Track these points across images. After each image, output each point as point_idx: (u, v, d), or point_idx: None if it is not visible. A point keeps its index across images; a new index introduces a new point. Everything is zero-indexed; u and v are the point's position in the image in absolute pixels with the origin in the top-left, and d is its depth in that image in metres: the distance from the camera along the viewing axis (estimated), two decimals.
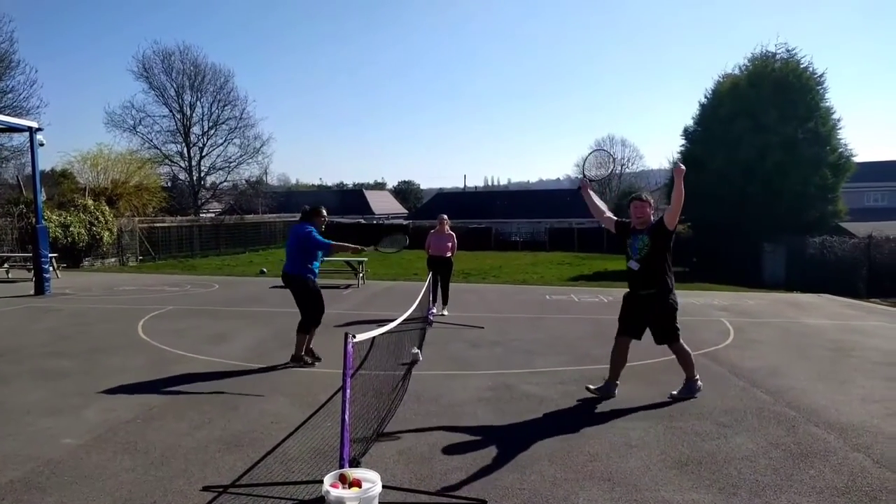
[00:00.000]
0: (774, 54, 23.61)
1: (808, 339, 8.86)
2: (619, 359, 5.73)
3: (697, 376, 5.74)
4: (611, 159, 6.30)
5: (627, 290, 5.80)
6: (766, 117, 21.63)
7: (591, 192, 5.99)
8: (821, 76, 22.75)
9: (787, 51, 23.50)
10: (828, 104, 22.72)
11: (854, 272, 17.81)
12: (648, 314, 5.59)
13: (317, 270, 6.96)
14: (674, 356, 5.80)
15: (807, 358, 7.56)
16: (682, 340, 5.66)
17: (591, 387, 5.74)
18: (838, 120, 22.70)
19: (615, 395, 5.66)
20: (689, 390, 5.67)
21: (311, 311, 6.85)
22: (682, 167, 5.36)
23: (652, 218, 5.61)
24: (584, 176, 6.11)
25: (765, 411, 5.34)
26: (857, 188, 35.95)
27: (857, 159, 23.04)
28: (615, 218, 5.98)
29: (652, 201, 5.72)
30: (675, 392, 5.68)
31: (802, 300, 13.78)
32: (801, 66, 22.80)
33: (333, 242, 6.84)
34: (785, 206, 21.14)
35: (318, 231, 6.84)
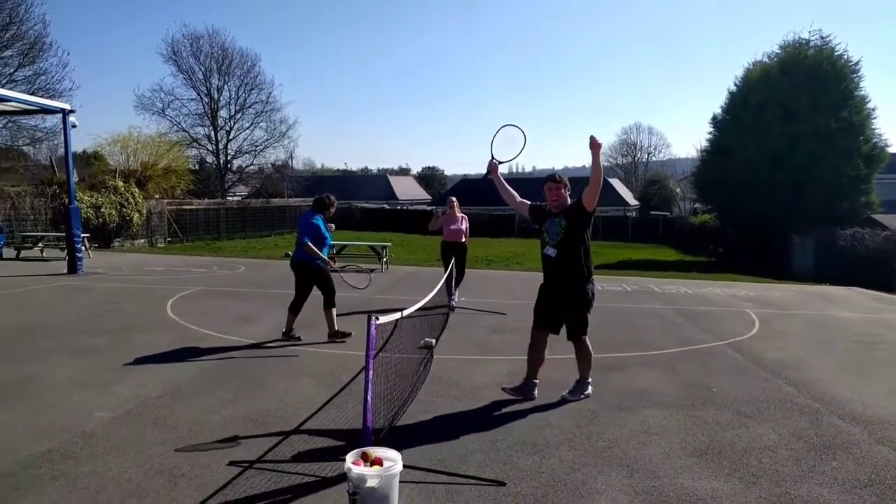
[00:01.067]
0: (808, 41, 23.03)
1: (835, 331, 8.73)
2: (535, 356, 5.21)
3: (590, 379, 5.33)
4: (521, 135, 5.42)
5: (543, 279, 5.38)
6: (797, 105, 21.15)
7: (499, 176, 5.45)
8: (856, 64, 22.15)
9: (822, 38, 22.90)
10: (862, 93, 22.15)
11: (886, 265, 17.42)
12: (564, 304, 5.13)
13: (326, 256, 7.25)
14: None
15: (833, 350, 7.46)
16: (587, 338, 5.21)
17: (507, 386, 5.25)
18: (873, 109, 22.14)
19: (534, 397, 5.17)
20: (580, 390, 5.23)
21: (329, 289, 7.21)
22: (599, 141, 4.87)
23: (568, 200, 5.21)
24: (493, 158, 5.43)
25: (788, 402, 5.31)
26: (890, 179, 35.01)
27: (891, 150, 22.49)
28: (529, 202, 5.51)
29: (567, 182, 5.26)
30: (566, 393, 5.22)
31: (831, 292, 13.55)
32: (836, 53, 22.21)
33: (309, 244, 7.02)
34: (815, 197, 20.70)
35: (326, 220, 7.23)
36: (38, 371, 5.77)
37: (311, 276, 7.20)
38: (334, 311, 7.34)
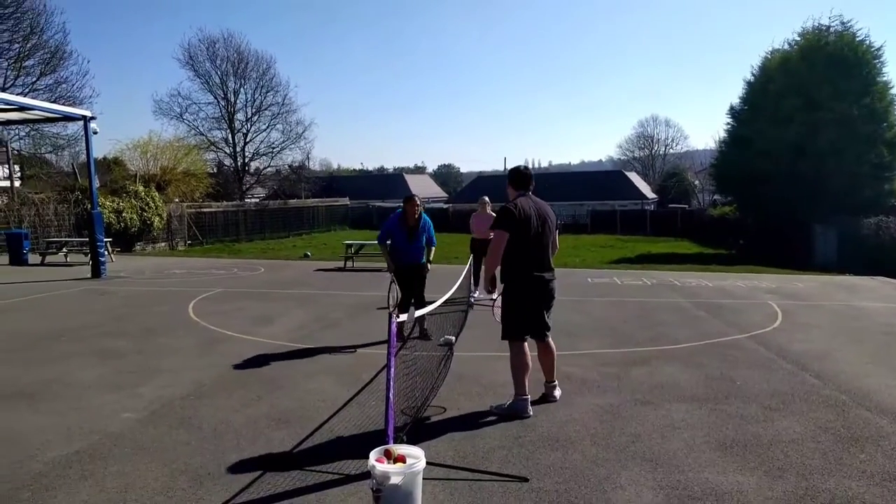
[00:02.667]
0: (828, 27, 22.60)
1: (860, 322, 8.59)
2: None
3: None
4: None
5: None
6: (818, 93, 20.77)
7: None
8: (878, 49, 21.70)
9: (842, 23, 22.43)
10: (885, 78, 21.68)
11: None
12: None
13: (395, 255, 7.13)
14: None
15: (858, 341, 7.34)
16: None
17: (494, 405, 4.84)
18: None
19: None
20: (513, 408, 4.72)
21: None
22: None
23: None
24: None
25: (813, 395, 5.24)
26: None
27: None
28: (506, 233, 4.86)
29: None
30: (493, 405, 4.84)
31: (855, 282, 13.33)
32: (857, 39, 21.78)
33: (383, 243, 7.16)
34: (838, 186, 20.32)
35: (407, 218, 7.01)
36: (64, 373, 5.87)
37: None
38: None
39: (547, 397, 5.07)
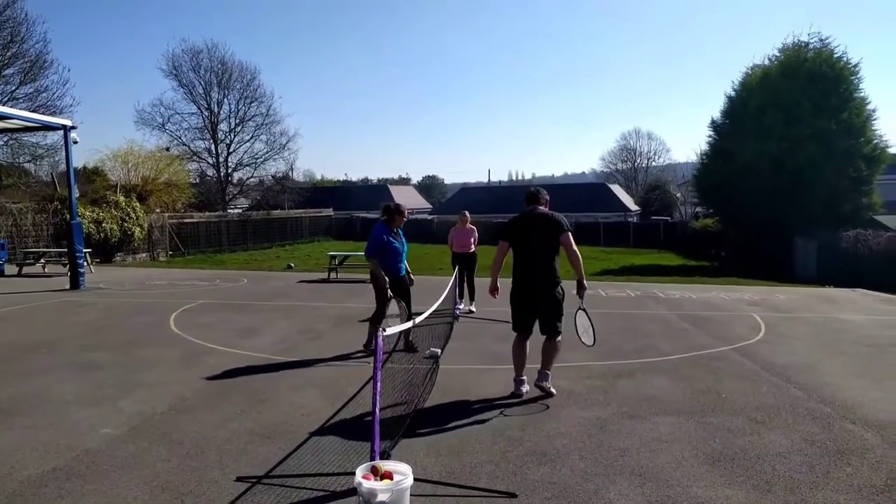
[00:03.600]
0: (807, 44, 23.01)
1: (842, 334, 8.68)
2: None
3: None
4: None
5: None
6: (798, 108, 21.12)
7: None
8: (855, 66, 22.13)
9: (821, 40, 22.87)
10: (862, 94, 22.11)
11: (890, 266, 17.30)
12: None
13: (393, 266, 6.92)
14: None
15: (841, 353, 7.40)
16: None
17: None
18: (873, 110, 22.09)
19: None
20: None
21: (379, 304, 6.96)
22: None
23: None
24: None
25: (798, 407, 5.26)
26: (892, 180, 34.98)
27: (892, 150, 22.45)
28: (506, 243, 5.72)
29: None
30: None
31: (836, 295, 13.49)
32: (835, 55, 22.21)
33: (373, 259, 6.84)
34: (817, 199, 20.64)
35: (392, 229, 6.89)
36: (41, 388, 5.73)
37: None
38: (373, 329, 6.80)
39: (536, 382, 5.53)
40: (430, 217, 45.96)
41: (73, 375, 6.18)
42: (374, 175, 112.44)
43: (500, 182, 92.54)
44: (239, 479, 3.78)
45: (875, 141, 21.94)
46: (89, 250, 16.73)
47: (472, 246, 10.42)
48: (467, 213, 10.66)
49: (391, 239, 6.88)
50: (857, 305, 11.74)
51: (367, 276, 8.07)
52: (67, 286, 13.25)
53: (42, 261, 17.28)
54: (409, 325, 5.16)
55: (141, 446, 4.31)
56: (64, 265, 15.28)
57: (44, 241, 19.87)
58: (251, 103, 41.00)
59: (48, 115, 21.55)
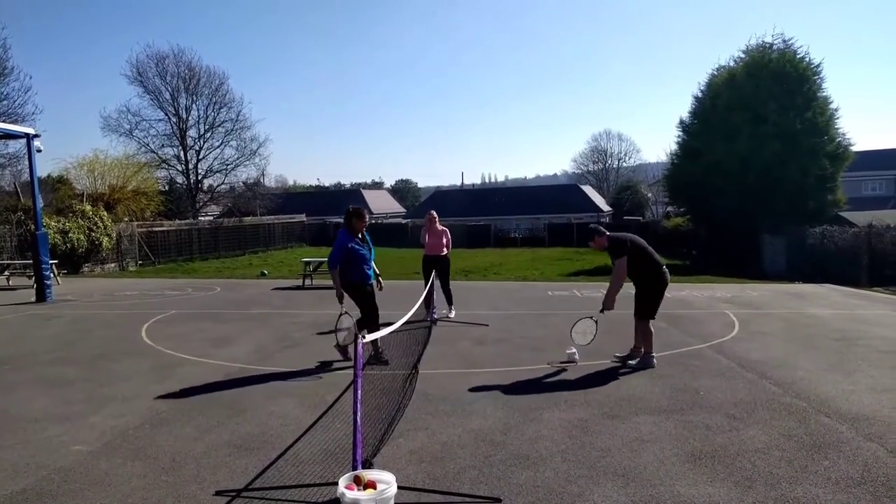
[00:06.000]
0: (771, 45, 23.53)
1: (813, 329, 8.84)
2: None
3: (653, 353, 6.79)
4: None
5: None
6: (763, 108, 21.57)
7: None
8: (818, 66, 22.68)
9: (784, 41, 23.41)
10: (825, 94, 22.66)
11: (855, 261, 17.75)
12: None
13: (361, 273, 6.79)
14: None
15: (813, 348, 7.54)
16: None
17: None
18: (836, 109, 22.62)
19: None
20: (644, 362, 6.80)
21: (365, 311, 6.84)
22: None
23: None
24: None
25: (775, 403, 5.33)
26: (855, 177, 35.96)
27: (854, 148, 23.01)
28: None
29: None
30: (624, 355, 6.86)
31: (805, 290, 13.77)
32: (798, 56, 22.74)
33: (335, 270, 6.69)
34: (784, 197, 21.09)
35: (355, 234, 6.74)
36: (8, 405, 5.55)
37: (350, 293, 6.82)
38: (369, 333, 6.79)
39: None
40: (404, 221, 45.82)
41: (41, 391, 6.00)
42: (348, 180, 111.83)
43: (473, 185, 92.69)
44: (218, 493, 3.70)
45: (838, 139, 22.48)
46: (55, 261, 16.32)
47: (445, 249, 9.97)
48: (434, 213, 10.14)
49: (355, 246, 6.68)
50: (825, 300, 11.99)
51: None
52: (33, 299, 12.90)
53: (6, 273, 16.81)
54: (382, 333, 5.02)
55: (115, 462, 4.19)
56: (29, 277, 14.88)
57: (7, 252, 19.36)
58: (220, 109, 40.47)
59: (10, 122, 20.99)
